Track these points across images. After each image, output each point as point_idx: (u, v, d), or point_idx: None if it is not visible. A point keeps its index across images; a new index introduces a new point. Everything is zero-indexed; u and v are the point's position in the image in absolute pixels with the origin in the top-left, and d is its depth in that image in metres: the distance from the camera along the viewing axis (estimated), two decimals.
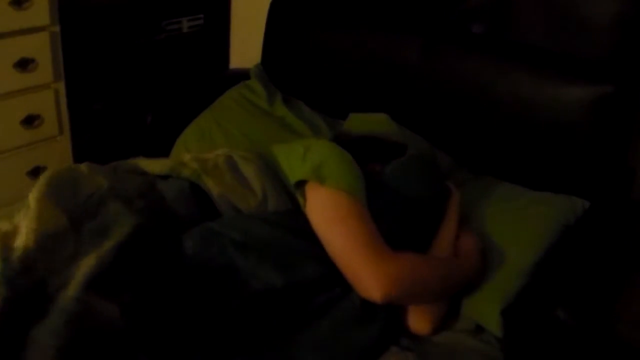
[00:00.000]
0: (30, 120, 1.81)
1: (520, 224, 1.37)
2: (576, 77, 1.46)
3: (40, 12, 1.71)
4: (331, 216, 1.13)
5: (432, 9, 1.71)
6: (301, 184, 1.19)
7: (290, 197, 1.23)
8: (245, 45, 2.39)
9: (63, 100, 1.88)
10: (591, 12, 1.48)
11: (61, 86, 1.86)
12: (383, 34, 1.74)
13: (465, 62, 1.61)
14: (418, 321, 1.21)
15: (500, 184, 1.53)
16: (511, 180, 1.54)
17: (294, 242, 1.13)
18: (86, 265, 0.96)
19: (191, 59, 2.37)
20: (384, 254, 1.10)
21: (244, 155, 1.30)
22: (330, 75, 1.85)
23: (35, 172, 1.86)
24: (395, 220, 1.21)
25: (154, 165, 1.27)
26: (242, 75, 1.96)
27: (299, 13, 1.91)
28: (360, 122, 1.71)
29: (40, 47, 1.75)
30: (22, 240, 0.99)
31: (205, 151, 1.36)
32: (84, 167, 1.18)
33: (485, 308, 1.26)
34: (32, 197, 1.07)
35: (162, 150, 1.78)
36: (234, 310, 1.04)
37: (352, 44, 1.79)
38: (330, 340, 1.08)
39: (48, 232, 1.02)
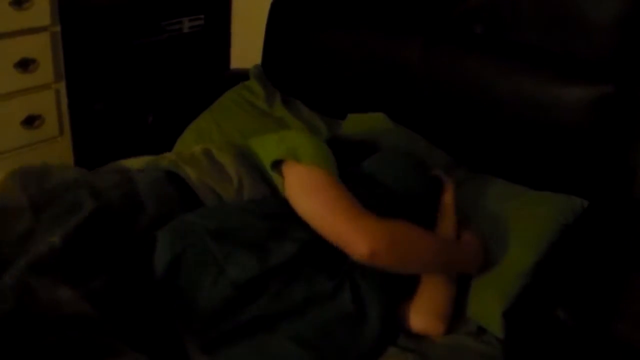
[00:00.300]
0: (30, 121, 1.81)
1: (520, 224, 1.37)
2: (576, 77, 1.46)
3: (40, 12, 1.71)
4: (310, 187, 1.15)
5: (432, 9, 1.71)
6: (277, 166, 1.21)
7: (268, 184, 1.25)
8: (246, 45, 2.39)
9: (64, 101, 1.88)
10: (591, 12, 1.48)
11: (62, 86, 1.86)
12: (383, 34, 1.74)
13: (465, 62, 1.61)
14: (430, 321, 1.20)
15: (499, 182, 1.53)
16: (510, 179, 1.54)
17: (271, 227, 1.14)
18: (36, 248, 0.97)
19: (191, 59, 2.37)
20: (367, 215, 1.10)
21: (220, 146, 1.32)
22: (330, 75, 1.85)
23: None
24: (377, 210, 1.21)
25: (133, 162, 1.30)
26: (243, 75, 1.97)
27: (299, 13, 1.91)
28: (358, 122, 1.71)
29: (40, 47, 1.75)
30: None
31: None
32: (58, 164, 1.20)
33: (487, 309, 1.26)
34: None
35: (163, 150, 1.77)
36: (212, 299, 1.04)
37: (352, 44, 1.79)
38: (318, 339, 1.07)
39: (2, 205, 1.04)
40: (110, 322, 0.96)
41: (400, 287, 1.19)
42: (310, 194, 1.15)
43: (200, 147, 1.32)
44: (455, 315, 1.26)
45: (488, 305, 1.26)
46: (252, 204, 1.21)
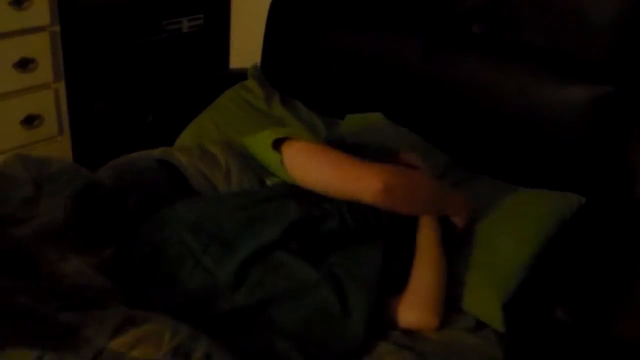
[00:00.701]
0: (30, 121, 1.81)
1: (517, 219, 1.37)
2: (576, 77, 1.46)
3: (40, 12, 1.71)
4: (314, 152, 1.21)
5: (432, 8, 1.71)
6: (277, 147, 1.24)
7: (254, 172, 1.30)
8: (245, 45, 2.39)
9: (63, 100, 1.88)
10: (591, 12, 1.48)
11: (61, 86, 1.86)
12: (383, 34, 1.74)
13: (465, 62, 1.61)
14: (422, 315, 1.18)
15: (498, 183, 1.53)
16: (509, 179, 1.54)
17: (250, 217, 1.15)
18: (40, 218, 1.03)
19: (191, 59, 2.37)
20: (369, 162, 1.16)
21: (212, 141, 1.40)
22: (329, 75, 1.85)
23: None
24: None
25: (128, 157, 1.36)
26: (242, 75, 1.96)
27: (299, 13, 1.91)
28: (356, 122, 1.71)
29: (40, 47, 1.75)
30: None
31: None
32: (57, 157, 1.29)
33: (485, 303, 1.25)
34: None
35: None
36: (190, 291, 1.06)
37: (352, 44, 1.79)
38: (299, 331, 1.07)
39: (5, 174, 1.10)
40: (121, 292, 1.01)
41: (387, 284, 1.18)
42: (316, 156, 1.20)
43: (194, 143, 1.39)
44: (453, 310, 1.26)
45: (487, 299, 1.25)
46: (230, 196, 1.24)
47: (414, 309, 1.18)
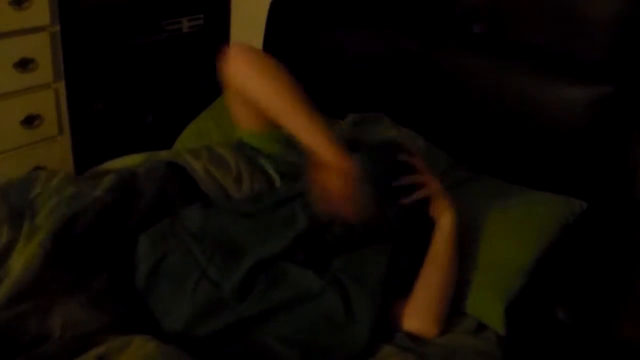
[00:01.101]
0: (30, 120, 1.81)
1: (519, 222, 1.37)
2: (576, 77, 1.46)
3: (40, 12, 1.71)
4: None
5: (432, 9, 1.71)
6: None
7: (265, 176, 1.29)
8: None
9: (63, 100, 1.88)
10: (591, 12, 1.48)
11: (61, 86, 1.86)
12: (383, 34, 1.74)
13: (465, 62, 1.61)
14: (423, 325, 1.18)
15: (499, 183, 1.53)
16: (510, 179, 1.54)
17: (255, 226, 1.15)
18: (12, 275, 0.98)
19: (191, 59, 2.37)
20: None
21: (219, 143, 1.39)
22: (330, 75, 1.85)
23: None
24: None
25: (129, 160, 1.33)
26: None
27: (299, 13, 1.91)
28: (358, 122, 1.71)
29: (40, 47, 1.75)
30: None
31: None
32: (43, 172, 1.23)
33: (487, 306, 1.26)
34: None
35: (162, 150, 1.78)
36: (195, 302, 1.05)
37: (352, 43, 1.79)
38: (304, 339, 1.07)
39: None
40: (115, 322, 0.98)
41: (393, 290, 1.18)
42: None
43: (198, 144, 1.38)
44: (455, 312, 1.26)
45: (489, 302, 1.26)
46: (236, 203, 1.23)
47: (415, 317, 1.18)
